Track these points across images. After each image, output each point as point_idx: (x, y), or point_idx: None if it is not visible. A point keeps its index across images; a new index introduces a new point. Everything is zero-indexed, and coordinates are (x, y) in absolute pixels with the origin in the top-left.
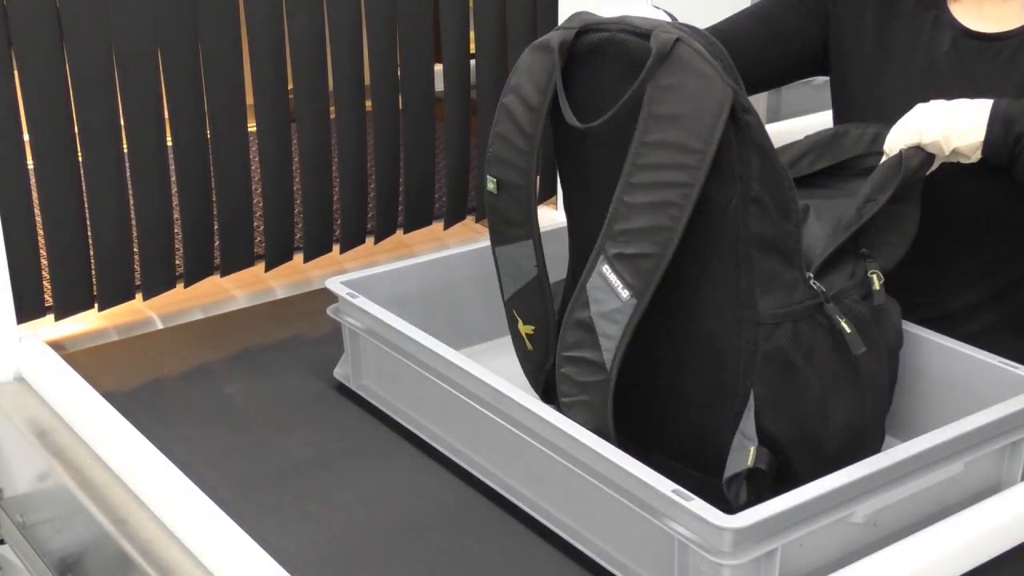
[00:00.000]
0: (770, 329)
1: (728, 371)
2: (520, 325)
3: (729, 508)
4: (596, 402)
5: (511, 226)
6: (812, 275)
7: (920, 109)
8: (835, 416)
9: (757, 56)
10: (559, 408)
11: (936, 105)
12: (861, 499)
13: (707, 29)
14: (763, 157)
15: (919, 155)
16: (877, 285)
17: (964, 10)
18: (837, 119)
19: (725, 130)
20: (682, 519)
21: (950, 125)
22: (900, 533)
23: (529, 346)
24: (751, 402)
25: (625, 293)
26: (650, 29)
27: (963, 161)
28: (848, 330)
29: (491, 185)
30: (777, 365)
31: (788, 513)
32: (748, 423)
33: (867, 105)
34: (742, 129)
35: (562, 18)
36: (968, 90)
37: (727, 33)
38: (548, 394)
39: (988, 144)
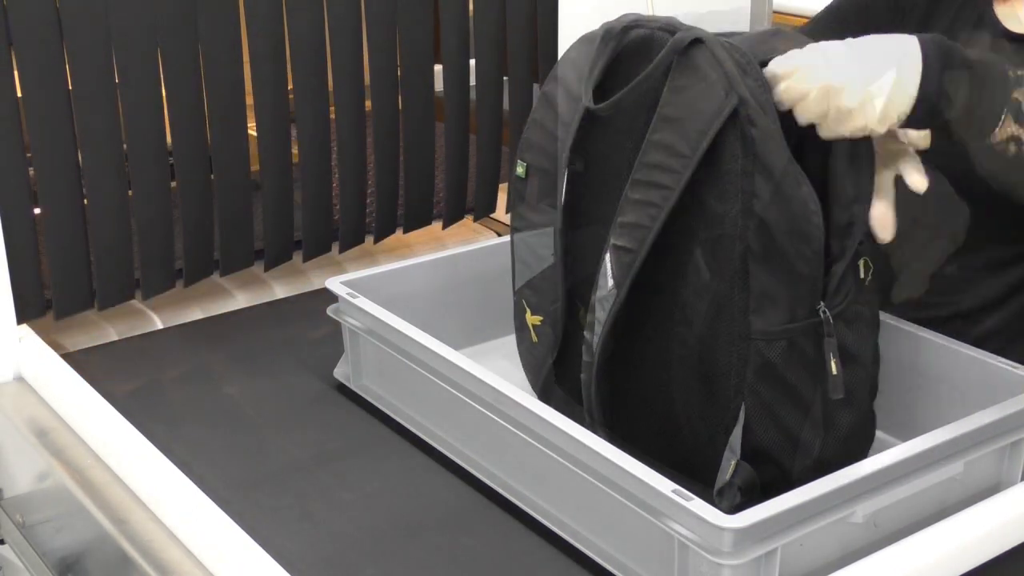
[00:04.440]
0: (762, 345)
1: (719, 384)
2: (528, 315)
3: None
4: (586, 382)
5: (535, 213)
6: (823, 303)
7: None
8: (830, 422)
9: None
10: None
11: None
12: (861, 499)
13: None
14: (768, 176)
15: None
16: (864, 273)
17: (1010, 10)
18: None
19: (724, 140)
20: (682, 519)
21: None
22: (900, 533)
23: (534, 337)
24: (741, 415)
25: (610, 283)
26: (681, 29)
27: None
28: (834, 372)
29: (520, 170)
30: (769, 381)
31: (788, 513)
32: (736, 437)
33: None
34: (747, 143)
35: (562, 18)
36: None
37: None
38: (546, 393)
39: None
